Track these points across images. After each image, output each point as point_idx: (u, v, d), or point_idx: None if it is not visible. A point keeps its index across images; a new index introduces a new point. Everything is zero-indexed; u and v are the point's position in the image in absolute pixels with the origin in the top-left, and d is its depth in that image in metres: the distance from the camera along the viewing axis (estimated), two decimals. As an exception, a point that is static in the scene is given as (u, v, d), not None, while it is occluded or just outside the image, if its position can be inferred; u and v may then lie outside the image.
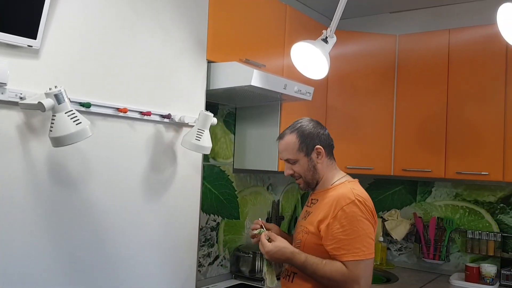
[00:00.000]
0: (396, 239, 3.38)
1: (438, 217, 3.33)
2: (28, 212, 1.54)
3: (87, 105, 1.65)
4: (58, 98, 1.44)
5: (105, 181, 1.78)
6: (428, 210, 3.40)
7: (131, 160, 1.87)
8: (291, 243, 1.86)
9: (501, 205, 3.13)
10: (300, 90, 2.42)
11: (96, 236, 1.75)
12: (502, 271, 2.95)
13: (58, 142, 1.47)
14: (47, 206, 1.59)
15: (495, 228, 3.14)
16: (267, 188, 3.18)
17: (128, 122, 1.85)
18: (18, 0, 1.45)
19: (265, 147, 2.76)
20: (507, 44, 2.67)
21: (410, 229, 3.37)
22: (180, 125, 2.07)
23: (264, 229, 1.85)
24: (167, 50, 2.00)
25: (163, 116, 1.97)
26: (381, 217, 3.43)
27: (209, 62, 2.22)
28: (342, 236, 1.68)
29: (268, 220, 3.14)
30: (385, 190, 3.53)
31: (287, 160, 1.88)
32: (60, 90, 1.45)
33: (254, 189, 3.07)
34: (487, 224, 3.17)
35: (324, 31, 2.04)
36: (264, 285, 1.89)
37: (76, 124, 1.46)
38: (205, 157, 2.61)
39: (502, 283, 2.91)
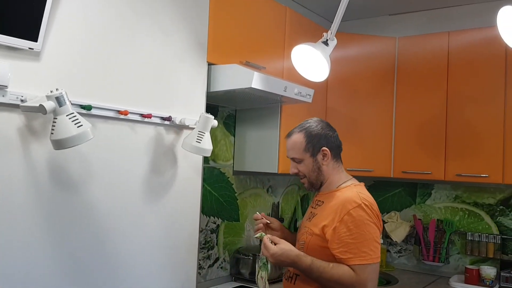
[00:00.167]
0: (396, 241, 3.38)
1: (437, 219, 3.33)
2: (29, 214, 1.54)
3: (88, 107, 1.65)
4: (59, 100, 1.44)
5: (106, 183, 1.77)
6: (427, 212, 3.40)
7: (132, 162, 1.87)
8: (293, 240, 1.85)
9: (501, 207, 3.14)
10: (300, 92, 2.42)
11: (97, 238, 1.75)
12: (502, 273, 2.95)
13: (59, 144, 1.47)
14: (48, 208, 1.59)
15: (495, 230, 3.14)
16: (267, 190, 3.18)
17: (129, 125, 1.85)
18: (19, 3, 1.45)
19: (265, 149, 2.76)
20: (506, 46, 2.69)
21: (409, 231, 3.37)
22: (180, 127, 2.07)
23: (265, 233, 1.82)
24: (167, 53, 2.00)
25: (163, 119, 1.97)
26: (381, 219, 3.43)
27: (209, 64, 2.22)
28: (349, 240, 1.67)
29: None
30: (384, 192, 3.53)
31: (293, 159, 1.88)
32: (61, 93, 1.45)
33: (254, 191, 3.07)
34: (487, 226, 3.17)
35: (324, 34, 2.04)
36: None
37: (78, 127, 1.46)
38: (205, 159, 2.60)
39: (501, 285, 2.92)
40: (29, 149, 1.54)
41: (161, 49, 1.97)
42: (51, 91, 1.46)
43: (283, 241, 1.75)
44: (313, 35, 2.57)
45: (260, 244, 1.87)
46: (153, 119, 1.92)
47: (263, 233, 1.82)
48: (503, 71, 2.86)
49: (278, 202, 3.29)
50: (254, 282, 2.70)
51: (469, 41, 2.96)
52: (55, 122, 1.46)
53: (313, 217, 1.85)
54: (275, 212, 3.23)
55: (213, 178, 2.74)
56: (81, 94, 1.67)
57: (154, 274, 1.98)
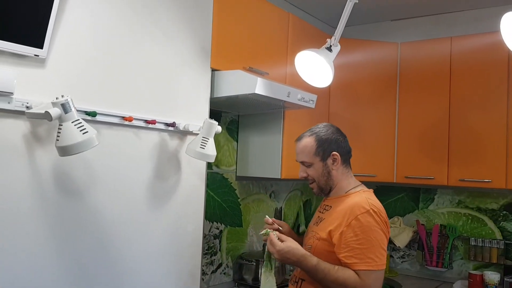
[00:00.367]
0: (399, 247, 3.38)
1: (441, 224, 3.33)
2: (34, 221, 1.54)
3: (93, 114, 1.65)
4: (65, 107, 1.45)
5: (110, 190, 1.78)
6: (430, 218, 3.40)
7: (136, 168, 1.88)
8: (300, 243, 1.86)
9: (504, 212, 3.13)
10: (304, 98, 2.43)
11: (101, 244, 1.75)
12: (506, 279, 2.94)
13: (65, 151, 1.47)
14: (53, 214, 1.59)
15: (498, 235, 3.14)
16: (270, 196, 3.18)
17: (133, 131, 1.86)
18: (25, 10, 1.46)
19: (268, 155, 2.76)
20: (509, 52, 2.70)
21: (413, 237, 3.36)
22: (184, 133, 2.08)
23: (271, 230, 1.82)
24: (171, 59, 2.01)
25: (167, 125, 1.97)
26: (384, 224, 3.42)
27: (213, 70, 2.23)
28: (355, 245, 1.67)
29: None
30: (387, 198, 3.53)
31: (302, 163, 1.88)
32: (67, 100, 1.46)
33: (256, 196, 3.07)
34: (490, 231, 3.17)
35: (328, 40, 2.05)
36: None
37: (83, 133, 1.46)
38: (208, 165, 2.61)
39: (505, 290, 2.91)
40: (34, 156, 1.54)
41: (165, 55, 1.98)
42: (56, 98, 1.46)
43: (290, 239, 1.75)
44: (315, 41, 2.58)
45: (263, 250, 1.88)
46: (157, 125, 1.92)
47: (269, 230, 1.82)
48: (506, 76, 2.87)
49: (281, 207, 3.28)
50: (257, 287, 2.70)
51: (472, 47, 2.97)
52: (61, 128, 1.47)
53: (320, 221, 1.85)
54: (278, 217, 3.22)
55: (216, 183, 2.74)
56: (86, 101, 1.67)
57: (158, 280, 1.97)
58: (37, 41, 1.49)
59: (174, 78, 2.02)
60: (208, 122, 1.99)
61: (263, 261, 1.87)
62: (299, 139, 1.91)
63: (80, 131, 1.46)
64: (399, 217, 3.46)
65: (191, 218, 2.12)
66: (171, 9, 2.00)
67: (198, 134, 2.02)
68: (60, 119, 1.46)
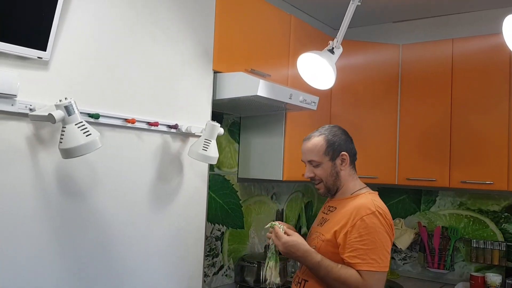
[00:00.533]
0: (400, 248, 3.37)
1: (442, 226, 3.32)
2: (37, 222, 1.54)
3: (96, 116, 1.66)
4: (68, 109, 1.45)
5: (113, 192, 1.78)
6: (432, 219, 3.40)
7: (139, 170, 1.88)
8: None
9: (506, 214, 3.13)
10: (305, 100, 2.43)
11: (103, 245, 1.75)
12: (507, 281, 2.94)
13: (68, 153, 1.47)
14: (56, 216, 1.59)
15: (500, 237, 3.13)
16: (271, 197, 3.18)
17: (136, 133, 1.86)
18: (29, 13, 1.46)
19: (269, 157, 2.76)
20: (511, 54, 2.70)
21: (414, 238, 3.36)
22: (186, 135, 2.08)
23: (277, 223, 1.83)
24: (174, 61, 2.01)
25: (170, 127, 1.97)
26: (385, 226, 3.42)
27: (215, 72, 2.23)
28: (359, 245, 1.67)
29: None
30: (389, 199, 3.53)
31: (310, 162, 1.87)
32: (70, 102, 1.46)
33: (258, 198, 3.07)
34: (492, 233, 3.16)
35: (330, 42, 2.05)
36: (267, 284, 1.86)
37: (86, 136, 1.46)
38: (210, 167, 2.60)
39: (507, 292, 2.91)
40: (37, 158, 1.54)
41: (167, 57, 1.98)
42: (60, 100, 1.46)
43: (296, 233, 1.77)
44: (317, 42, 2.58)
45: (264, 251, 1.88)
46: (160, 127, 1.92)
47: (274, 223, 1.82)
48: (508, 78, 2.87)
49: (283, 209, 3.28)
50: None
51: (473, 49, 2.97)
52: (64, 131, 1.47)
53: (324, 222, 1.85)
54: (279, 219, 3.22)
55: (218, 185, 2.74)
56: (89, 103, 1.68)
57: (160, 282, 1.97)
58: (41, 43, 1.50)
59: (177, 80, 2.03)
60: (210, 124, 1.99)
61: (268, 256, 1.86)
62: (307, 138, 1.90)
63: (84, 133, 1.46)
64: (401, 219, 3.46)
65: (193, 220, 2.12)
66: (174, 11, 2.00)
67: (200, 136, 2.02)
68: (64, 122, 1.46)
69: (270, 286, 1.84)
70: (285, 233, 1.77)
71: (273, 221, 1.92)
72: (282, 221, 3.22)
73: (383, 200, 1.84)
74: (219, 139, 2.68)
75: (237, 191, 2.89)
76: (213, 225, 2.70)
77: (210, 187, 2.66)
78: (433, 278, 3.30)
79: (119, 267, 1.81)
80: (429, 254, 3.31)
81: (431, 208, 3.41)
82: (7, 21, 1.42)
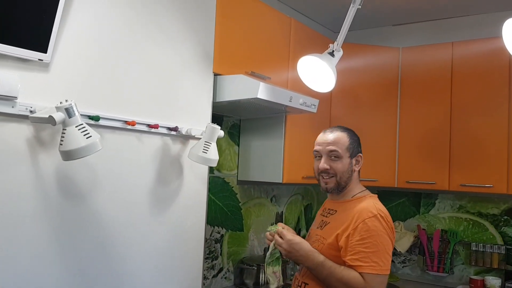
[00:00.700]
0: (400, 251, 3.37)
1: (442, 229, 3.33)
2: (37, 224, 1.54)
3: (96, 118, 1.66)
4: (68, 112, 1.45)
5: (113, 194, 1.77)
6: (432, 222, 3.40)
7: (139, 172, 1.88)
8: None
9: (505, 217, 3.13)
10: (305, 103, 2.43)
11: (103, 247, 1.75)
12: (507, 284, 2.94)
13: (68, 155, 1.47)
14: (56, 218, 1.59)
15: (499, 240, 3.14)
16: (271, 200, 3.18)
17: (136, 135, 1.86)
18: (29, 15, 1.46)
19: (269, 159, 2.76)
20: (510, 57, 2.71)
21: (414, 241, 3.36)
22: (187, 138, 2.08)
23: (279, 226, 1.83)
24: (174, 63, 2.01)
25: (170, 129, 1.97)
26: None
27: (215, 74, 2.23)
28: (361, 248, 1.68)
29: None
30: (388, 202, 3.53)
31: (331, 153, 1.83)
32: (71, 104, 1.46)
33: (258, 200, 3.07)
34: (491, 237, 3.17)
35: (330, 45, 2.05)
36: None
37: (87, 138, 1.46)
38: (210, 169, 2.60)
39: (507, 296, 2.91)
40: (38, 160, 1.54)
41: (168, 60, 1.98)
42: (60, 102, 1.46)
43: (298, 236, 1.78)
44: (317, 45, 2.59)
45: (264, 254, 1.87)
46: (160, 130, 1.92)
47: (276, 225, 1.82)
48: (507, 81, 2.87)
49: (282, 211, 3.28)
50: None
51: (473, 52, 2.98)
52: (64, 133, 1.46)
53: (325, 225, 1.85)
54: (279, 222, 3.22)
55: (218, 187, 2.74)
56: (89, 105, 1.68)
57: (160, 284, 1.97)
58: (41, 45, 1.50)
59: (177, 82, 2.03)
60: (210, 127, 1.99)
61: (271, 260, 1.85)
62: (329, 131, 1.88)
63: (84, 135, 1.46)
64: (400, 221, 3.47)
65: (193, 222, 2.12)
66: (174, 14, 2.00)
67: (200, 138, 2.02)
68: (64, 124, 1.46)
69: None
70: None
71: (274, 224, 1.92)
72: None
73: (382, 203, 1.85)
74: (219, 141, 2.68)
75: (237, 194, 2.89)
76: (212, 227, 2.70)
77: (210, 190, 2.66)
78: (432, 281, 3.30)
79: (119, 268, 1.80)
80: (428, 257, 3.31)
81: (430, 211, 3.41)
82: (8, 23, 1.42)
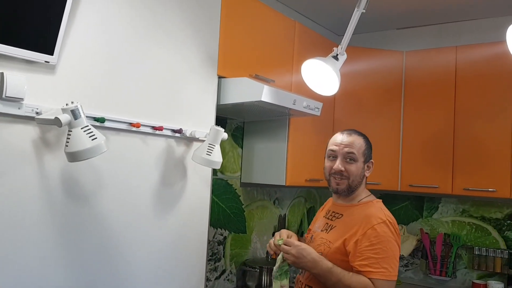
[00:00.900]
0: (402, 255, 3.37)
1: (445, 233, 3.32)
2: (42, 225, 1.55)
3: (101, 120, 1.67)
4: (74, 113, 1.46)
5: (117, 195, 1.79)
6: (434, 226, 3.39)
7: (143, 174, 1.89)
8: None
9: (508, 221, 3.13)
10: (309, 106, 2.44)
11: (106, 248, 1.76)
12: (510, 289, 2.93)
13: (73, 157, 1.48)
14: (60, 218, 1.60)
15: (502, 244, 3.13)
16: (274, 202, 3.19)
17: (141, 137, 1.87)
18: (36, 17, 1.48)
19: (272, 162, 2.77)
20: (514, 62, 2.70)
21: (416, 245, 3.36)
22: (191, 140, 2.09)
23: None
24: (179, 66, 2.02)
25: (174, 131, 1.98)
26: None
27: (219, 77, 2.24)
28: (371, 254, 1.67)
29: (273, 235, 3.13)
30: (391, 206, 3.53)
31: (349, 154, 1.82)
32: (77, 106, 1.47)
33: (261, 203, 3.07)
34: (494, 241, 3.16)
35: (334, 49, 2.06)
36: None
37: (92, 140, 1.47)
38: (213, 171, 2.61)
39: (509, 300, 2.90)
40: (43, 161, 1.55)
41: (173, 62, 2.00)
42: (66, 104, 1.48)
43: (305, 243, 1.78)
44: (321, 48, 2.59)
45: (266, 257, 1.87)
46: (164, 132, 1.93)
47: (282, 238, 1.82)
48: (511, 86, 2.87)
49: (285, 214, 3.29)
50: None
51: (477, 56, 2.98)
52: (70, 134, 1.48)
53: (330, 229, 1.84)
54: (282, 224, 3.23)
55: (221, 189, 2.75)
56: (95, 107, 1.69)
57: (163, 285, 1.98)
58: (48, 47, 1.51)
59: (182, 85, 2.04)
60: (214, 129, 2.00)
61: (279, 274, 1.82)
62: (346, 133, 1.87)
63: (89, 137, 1.47)
64: (403, 225, 3.46)
65: (196, 224, 2.13)
66: (180, 17, 2.01)
67: (204, 140, 2.03)
68: (70, 125, 1.47)
69: None
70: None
71: (277, 230, 1.90)
72: (284, 226, 3.23)
73: (386, 207, 1.85)
74: (222, 143, 2.68)
75: (240, 196, 2.89)
76: (215, 229, 2.71)
77: (213, 192, 2.67)
78: (435, 285, 3.29)
79: (122, 269, 1.81)
80: (431, 261, 3.30)
81: (433, 215, 3.41)
82: (15, 25, 1.43)
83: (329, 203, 2.01)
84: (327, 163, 1.88)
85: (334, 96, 3.06)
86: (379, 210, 1.76)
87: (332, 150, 1.86)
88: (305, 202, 3.49)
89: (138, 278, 1.87)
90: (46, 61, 1.52)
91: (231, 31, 2.30)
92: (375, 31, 3.68)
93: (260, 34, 2.52)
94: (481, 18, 3.28)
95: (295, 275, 3.11)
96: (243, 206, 2.92)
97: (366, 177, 1.90)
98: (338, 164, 1.83)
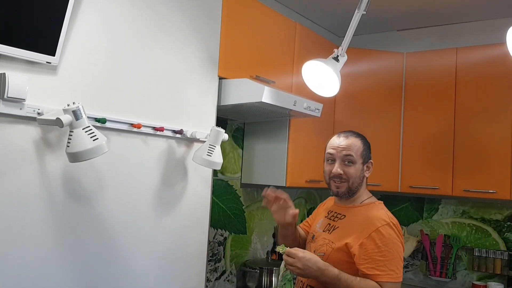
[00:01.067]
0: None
1: (445, 235, 3.32)
2: (43, 225, 1.55)
3: (103, 120, 1.67)
4: (76, 114, 1.47)
5: (118, 196, 1.79)
6: (435, 227, 3.40)
7: (144, 175, 1.89)
8: (303, 247, 1.85)
9: (508, 223, 3.13)
10: (309, 107, 2.44)
11: (107, 249, 1.76)
12: (510, 290, 2.94)
13: (75, 157, 1.49)
14: (61, 219, 1.61)
15: (502, 246, 3.13)
16: (274, 203, 3.18)
17: (142, 138, 1.87)
18: (38, 18, 1.48)
19: (273, 162, 2.77)
20: (514, 64, 2.71)
21: (416, 246, 3.37)
22: (191, 141, 2.09)
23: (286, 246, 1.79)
24: (180, 67, 2.03)
25: (175, 132, 1.99)
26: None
27: (220, 78, 2.25)
28: (377, 257, 1.66)
29: (273, 236, 3.14)
30: (392, 207, 3.53)
31: (346, 157, 1.82)
32: (78, 107, 1.48)
33: (261, 204, 3.07)
34: (494, 242, 3.16)
35: (335, 50, 2.06)
36: None
37: (93, 140, 1.48)
38: (214, 172, 2.62)
39: (509, 302, 2.91)
40: (45, 161, 1.56)
41: (174, 63, 2.00)
42: (68, 105, 1.48)
43: (307, 251, 1.73)
44: (322, 50, 2.60)
45: (266, 257, 1.86)
46: (165, 132, 1.94)
47: (285, 247, 1.79)
48: (511, 87, 2.88)
49: (285, 215, 3.28)
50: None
51: (477, 58, 2.98)
52: (71, 135, 1.48)
53: (333, 229, 1.83)
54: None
55: (221, 190, 2.75)
56: (96, 107, 1.69)
57: (163, 286, 1.98)
58: (50, 48, 1.52)
59: (182, 86, 2.04)
60: (215, 130, 2.01)
61: (282, 280, 1.80)
62: (343, 135, 1.86)
63: (91, 137, 1.48)
64: (403, 226, 3.47)
65: (196, 225, 2.13)
66: (181, 18, 2.02)
67: (205, 141, 2.03)
68: (71, 126, 1.48)
69: None
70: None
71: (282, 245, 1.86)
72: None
73: (386, 208, 1.85)
74: (223, 144, 2.69)
75: (240, 197, 2.90)
76: (215, 230, 2.71)
77: (214, 192, 2.67)
78: (435, 287, 3.29)
79: (123, 270, 1.82)
80: (431, 262, 3.31)
81: (433, 216, 3.41)
82: (17, 26, 1.44)
83: (330, 202, 2.00)
84: (326, 167, 1.88)
85: (334, 97, 3.07)
86: (383, 213, 1.76)
87: (330, 154, 1.86)
88: (305, 203, 3.50)
89: (138, 278, 1.88)
90: (47, 62, 1.52)
91: (232, 32, 2.31)
92: (376, 32, 3.69)
93: (261, 35, 2.53)
94: (481, 20, 3.29)
95: (295, 276, 3.12)
96: (243, 207, 2.92)
97: (367, 178, 1.90)
98: (336, 168, 1.82)
